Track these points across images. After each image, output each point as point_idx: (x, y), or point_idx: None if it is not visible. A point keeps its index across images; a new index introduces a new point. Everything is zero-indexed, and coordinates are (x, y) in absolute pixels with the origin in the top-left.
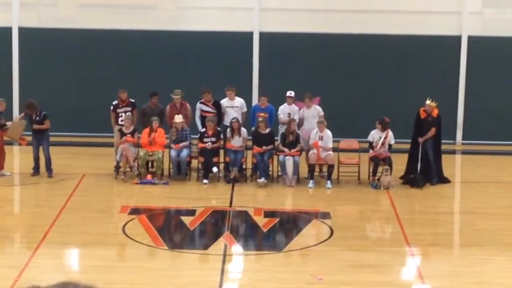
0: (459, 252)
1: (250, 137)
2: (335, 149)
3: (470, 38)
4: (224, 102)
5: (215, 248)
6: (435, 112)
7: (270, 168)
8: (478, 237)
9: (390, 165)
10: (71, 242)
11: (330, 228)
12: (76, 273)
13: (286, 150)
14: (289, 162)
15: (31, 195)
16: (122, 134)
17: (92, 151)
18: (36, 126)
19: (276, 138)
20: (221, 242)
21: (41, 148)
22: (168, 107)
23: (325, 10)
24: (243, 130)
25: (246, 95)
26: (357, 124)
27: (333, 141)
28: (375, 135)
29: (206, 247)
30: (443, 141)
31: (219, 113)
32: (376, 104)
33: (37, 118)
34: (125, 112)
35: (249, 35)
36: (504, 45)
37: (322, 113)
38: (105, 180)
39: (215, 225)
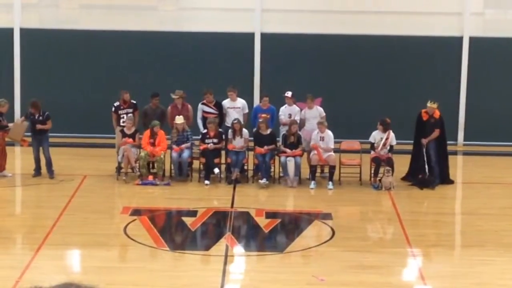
0: (460, 253)
1: (252, 138)
2: (336, 150)
3: (472, 39)
4: (226, 103)
5: (217, 249)
6: (437, 114)
7: (272, 169)
8: (479, 238)
9: (392, 166)
10: (73, 243)
11: (332, 229)
12: (77, 274)
13: (287, 151)
14: (291, 163)
15: (33, 196)
16: (124, 135)
17: (94, 152)
18: (39, 126)
19: (277, 139)
20: (222, 243)
21: (41, 149)
22: (169, 108)
23: (326, 11)
24: (245, 131)
25: (247, 96)
26: (359, 125)
27: (335, 142)
28: (376, 136)
29: (207, 248)
30: None
31: (221, 114)
32: (377, 105)
33: (40, 117)
34: (127, 113)
35: (251, 36)
36: (506, 45)
37: (324, 114)
38: (106, 181)
39: (216, 226)
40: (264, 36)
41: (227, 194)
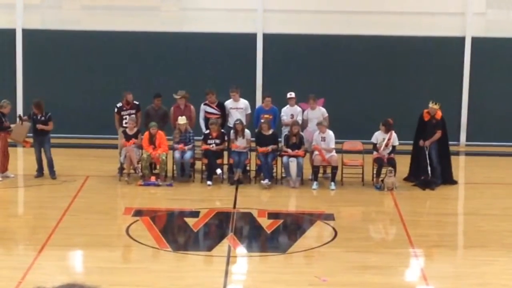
0: (463, 253)
1: (254, 139)
2: (338, 151)
3: (474, 39)
4: (229, 103)
5: (219, 250)
6: (439, 114)
7: (274, 170)
8: (482, 238)
9: (394, 166)
10: (75, 244)
11: (334, 229)
12: (80, 274)
13: (289, 151)
14: (293, 164)
15: (35, 197)
16: (126, 136)
17: (96, 152)
18: (40, 126)
19: (279, 139)
20: (225, 244)
21: (43, 150)
22: (172, 108)
23: (329, 12)
24: (247, 131)
25: (249, 96)
26: (361, 125)
27: (337, 143)
28: (378, 136)
29: (210, 248)
30: None
31: (223, 114)
32: (380, 105)
33: (42, 118)
34: (129, 114)
35: (253, 36)
36: (508, 46)
37: (326, 114)
38: (108, 182)
39: (219, 227)
40: (266, 36)
41: (229, 195)
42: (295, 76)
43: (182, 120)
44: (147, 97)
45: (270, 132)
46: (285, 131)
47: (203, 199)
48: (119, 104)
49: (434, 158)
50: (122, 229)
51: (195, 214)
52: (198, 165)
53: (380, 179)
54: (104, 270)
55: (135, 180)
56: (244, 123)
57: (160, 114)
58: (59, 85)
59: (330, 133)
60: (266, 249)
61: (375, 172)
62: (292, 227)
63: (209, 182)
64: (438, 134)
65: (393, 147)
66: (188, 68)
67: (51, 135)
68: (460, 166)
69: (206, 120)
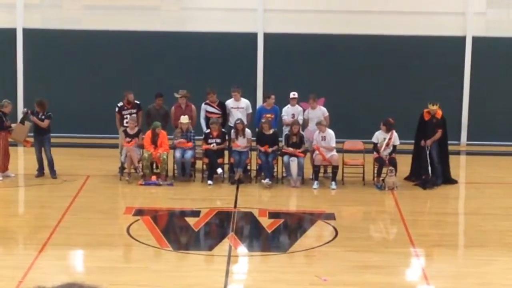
0: (464, 253)
1: (254, 138)
2: (339, 150)
3: (475, 39)
4: (230, 102)
5: (220, 249)
6: (439, 113)
7: (275, 169)
8: (483, 237)
9: (395, 166)
10: (76, 243)
11: (335, 229)
12: (80, 274)
13: (290, 149)
14: (294, 163)
15: (36, 196)
16: (127, 135)
17: (97, 152)
18: (34, 119)
19: (280, 139)
20: (225, 243)
21: (43, 149)
22: (173, 108)
23: (329, 11)
24: (247, 131)
25: (250, 96)
26: (362, 125)
27: (338, 142)
28: (379, 136)
29: (210, 248)
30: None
31: (224, 114)
32: (380, 105)
33: (42, 116)
34: (130, 114)
35: (253, 36)
36: (509, 45)
37: (327, 114)
38: (109, 181)
39: (219, 226)
40: (267, 36)
41: (230, 194)
42: (295, 76)
43: (185, 119)
44: (148, 96)
45: (271, 131)
46: (285, 130)
47: (204, 198)
48: (120, 104)
49: (435, 158)
50: (123, 229)
51: (196, 213)
52: (199, 164)
53: (381, 178)
54: (104, 269)
55: (136, 180)
56: (245, 122)
57: (161, 113)
58: (60, 84)
59: (330, 132)
60: (267, 249)
61: (376, 171)
62: (293, 226)
63: (209, 182)
64: (439, 134)
65: (394, 146)
66: (189, 68)
67: (52, 134)
68: (460, 165)
69: (207, 119)
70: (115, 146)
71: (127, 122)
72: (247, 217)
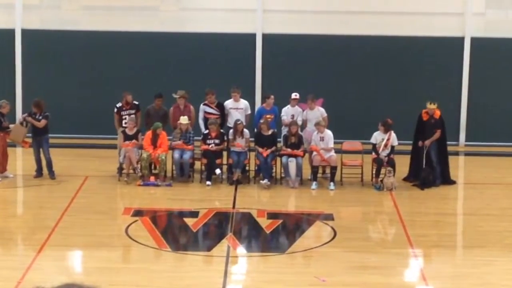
0: (462, 253)
1: (252, 139)
2: (338, 151)
3: (473, 39)
4: (229, 103)
5: (218, 250)
6: (437, 114)
7: (273, 170)
8: (481, 238)
9: (393, 166)
10: (74, 244)
11: (333, 229)
12: (79, 274)
13: (288, 150)
14: (292, 164)
15: (34, 197)
16: (126, 136)
17: (95, 153)
18: (29, 119)
19: (279, 139)
20: (224, 244)
21: (41, 150)
22: (171, 108)
23: (328, 12)
24: (246, 131)
25: (249, 96)
26: (360, 125)
27: (336, 143)
28: (377, 136)
29: (209, 248)
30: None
31: (223, 114)
32: (379, 105)
33: (39, 117)
34: (129, 114)
35: (252, 36)
36: (507, 46)
37: (325, 114)
38: (108, 182)
39: (218, 227)
40: (265, 36)
41: (228, 195)
42: (294, 76)
43: (184, 120)
44: (146, 97)
45: (270, 132)
46: (284, 131)
47: (203, 199)
48: (118, 104)
49: (433, 158)
50: (121, 229)
51: (194, 214)
52: (198, 165)
53: (380, 179)
54: (103, 270)
55: (135, 180)
56: (244, 123)
57: (160, 114)
58: (58, 85)
59: (328, 133)
60: (266, 249)
61: (374, 172)
62: (291, 227)
63: (208, 182)
64: (437, 134)
65: (392, 147)
66: (187, 68)
67: (50, 135)
68: (459, 166)
69: (205, 120)
70: (113, 146)
71: (125, 123)
72: (245, 217)
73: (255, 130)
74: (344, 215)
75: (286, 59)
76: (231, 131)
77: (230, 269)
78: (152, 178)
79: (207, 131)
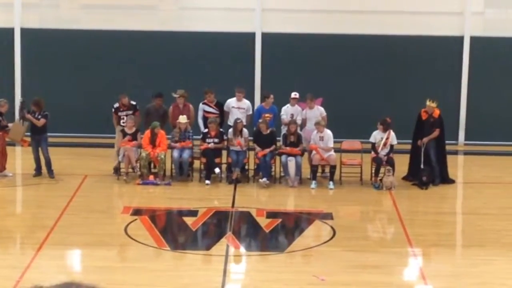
0: (461, 252)
1: (251, 138)
2: (337, 150)
3: (472, 39)
4: (232, 101)
5: (218, 249)
6: (436, 113)
7: (273, 169)
8: (480, 237)
9: (392, 165)
10: (73, 243)
11: (332, 228)
12: (78, 273)
13: (288, 149)
14: (291, 163)
15: (33, 196)
16: (125, 135)
17: (94, 152)
18: (28, 116)
19: (278, 138)
20: (223, 243)
21: (40, 149)
22: (171, 107)
23: (327, 11)
24: (245, 130)
25: (248, 95)
26: (359, 124)
27: (336, 142)
28: (377, 136)
29: (208, 247)
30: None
31: (222, 113)
32: (378, 104)
33: (39, 116)
34: (127, 115)
35: (251, 35)
36: (506, 45)
37: (325, 114)
38: (107, 181)
39: (217, 226)
40: (265, 35)
41: (227, 194)
42: (293, 75)
43: (183, 119)
44: (145, 96)
45: (268, 131)
46: (284, 130)
47: (202, 198)
48: (116, 105)
49: (432, 157)
50: (120, 228)
51: (193, 213)
52: (197, 164)
53: (379, 178)
54: (102, 269)
55: (134, 179)
56: (245, 123)
57: (160, 113)
58: (57, 84)
59: (328, 132)
60: (265, 248)
61: (373, 171)
62: (290, 226)
63: (207, 181)
64: (436, 133)
65: (391, 146)
66: (187, 67)
67: (49, 134)
68: (458, 165)
69: (205, 119)
70: (112, 145)
71: (123, 123)
72: (244, 216)
73: (254, 129)
74: (343, 214)
75: (285, 58)
76: (230, 130)
77: (229, 268)
78: (151, 177)
79: (206, 130)
